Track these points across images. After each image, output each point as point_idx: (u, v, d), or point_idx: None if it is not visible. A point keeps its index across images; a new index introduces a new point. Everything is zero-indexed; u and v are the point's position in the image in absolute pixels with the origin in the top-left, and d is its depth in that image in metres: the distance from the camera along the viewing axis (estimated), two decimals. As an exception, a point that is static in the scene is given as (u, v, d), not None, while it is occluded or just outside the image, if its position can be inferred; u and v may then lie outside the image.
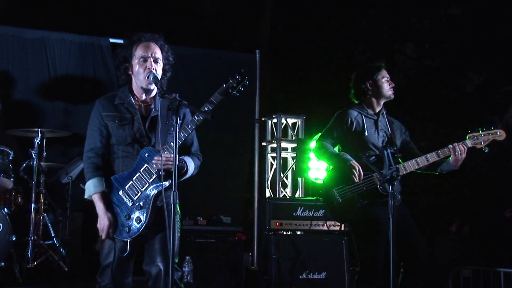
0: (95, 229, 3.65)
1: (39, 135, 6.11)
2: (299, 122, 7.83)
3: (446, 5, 15.88)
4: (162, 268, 3.55)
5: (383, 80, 4.59)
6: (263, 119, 7.90)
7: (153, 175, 3.54)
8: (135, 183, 3.59)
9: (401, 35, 16.87)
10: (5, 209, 5.69)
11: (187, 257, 6.21)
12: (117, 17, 12.60)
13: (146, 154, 3.58)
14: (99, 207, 3.60)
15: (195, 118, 3.51)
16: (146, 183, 3.57)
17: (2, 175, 5.74)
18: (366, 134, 4.50)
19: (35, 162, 6.03)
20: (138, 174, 3.59)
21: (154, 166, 3.53)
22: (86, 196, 3.66)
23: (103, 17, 12.33)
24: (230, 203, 7.78)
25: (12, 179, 5.82)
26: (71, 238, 6.64)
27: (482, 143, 4.30)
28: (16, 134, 6.32)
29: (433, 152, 4.38)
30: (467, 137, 4.36)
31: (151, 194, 3.55)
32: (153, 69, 3.61)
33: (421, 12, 16.17)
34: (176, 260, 3.55)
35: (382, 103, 4.64)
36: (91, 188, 3.61)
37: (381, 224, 4.26)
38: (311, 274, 6.24)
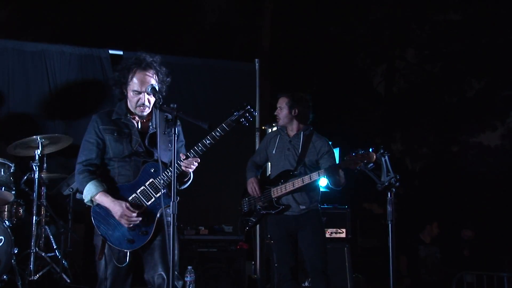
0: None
1: (39, 146, 6.09)
2: (299, 130, 7.80)
3: (446, 11, 15.90)
4: (165, 277, 3.53)
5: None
6: (263, 127, 7.88)
7: (160, 190, 3.56)
8: (139, 196, 3.60)
9: (401, 41, 16.90)
10: (7, 222, 5.70)
11: (189, 267, 6.17)
12: (117, 29, 12.64)
13: (152, 169, 3.60)
14: (107, 200, 3.53)
15: (215, 133, 3.55)
16: (152, 198, 3.59)
17: (3, 188, 5.75)
18: (274, 152, 5.07)
19: (36, 175, 6.03)
20: (142, 187, 3.60)
21: (162, 182, 3.54)
22: (87, 199, 3.58)
23: (103, 29, 12.37)
24: (232, 212, 7.75)
25: (13, 192, 5.82)
26: (73, 250, 6.64)
27: (353, 165, 4.46)
28: (17, 154, 6.24)
29: (306, 175, 4.76)
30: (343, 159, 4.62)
31: (158, 209, 3.57)
32: (146, 100, 3.62)
33: (421, 17, 16.20)
34: (177, 269, 3.55)
35: (295, 127, 5.04)
36: (93, 189, 3.56)
37: (277, 231, 4.97)
38: (314, 282, 6.21)
